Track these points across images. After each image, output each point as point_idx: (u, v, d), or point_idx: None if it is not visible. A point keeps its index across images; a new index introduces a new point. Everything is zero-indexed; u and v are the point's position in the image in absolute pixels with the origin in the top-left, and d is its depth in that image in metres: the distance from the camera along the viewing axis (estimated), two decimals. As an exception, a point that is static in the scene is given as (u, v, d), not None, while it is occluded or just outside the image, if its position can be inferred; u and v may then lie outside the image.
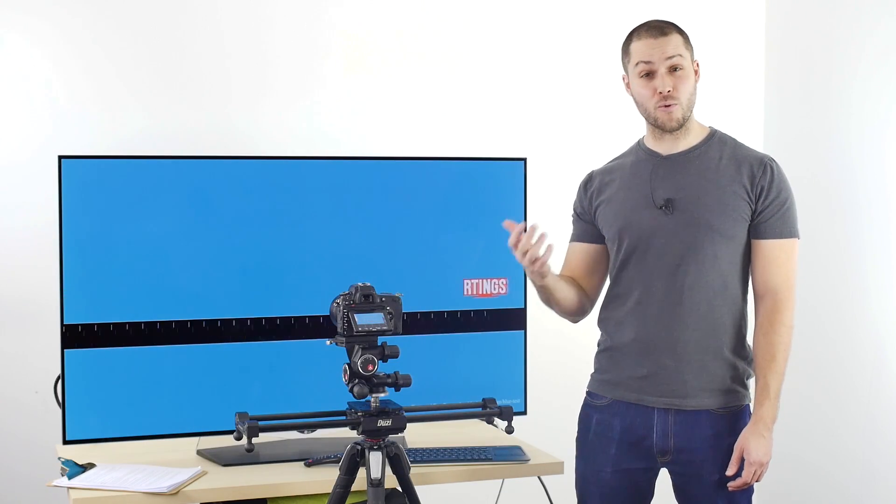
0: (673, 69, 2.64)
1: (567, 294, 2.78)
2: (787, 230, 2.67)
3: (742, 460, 2.62)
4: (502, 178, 3.32)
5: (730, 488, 2.64)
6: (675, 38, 2.65)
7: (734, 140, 2.76)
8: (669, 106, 2.64)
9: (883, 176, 3.86)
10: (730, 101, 4.31)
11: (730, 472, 2.64)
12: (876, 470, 3.89)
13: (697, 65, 2.70)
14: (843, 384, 4.03)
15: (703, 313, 2.66)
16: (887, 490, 3.85)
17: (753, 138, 4.25)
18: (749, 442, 2.61)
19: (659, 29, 2.66)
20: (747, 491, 2.69)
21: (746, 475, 2.61)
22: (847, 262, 4.02)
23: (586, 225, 2.87)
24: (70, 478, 2.79)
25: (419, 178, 3.25)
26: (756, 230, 2.67)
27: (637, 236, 2.72)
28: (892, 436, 3.83)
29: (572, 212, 2.93)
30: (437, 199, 3.26)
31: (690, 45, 2.70)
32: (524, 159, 3.32)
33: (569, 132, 4.17)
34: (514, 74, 4.11)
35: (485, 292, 3.28)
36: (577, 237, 2.91)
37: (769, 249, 2.66)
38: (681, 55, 2.64)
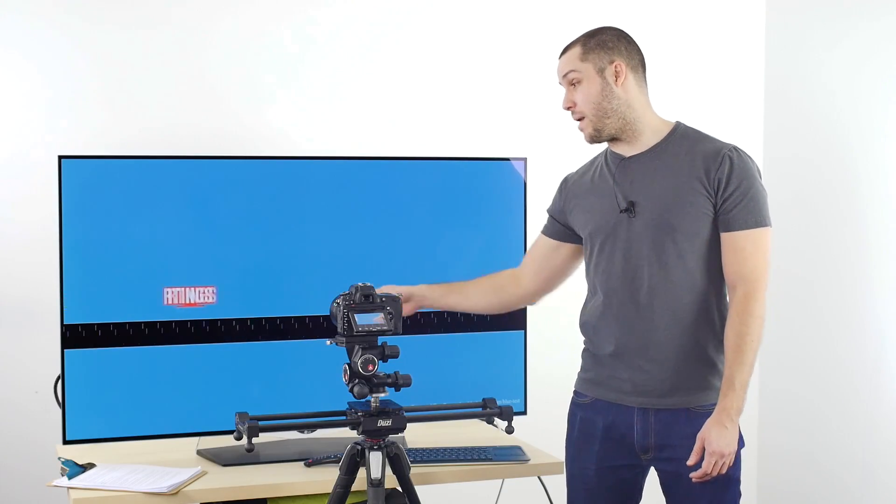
0: (573, 83, 2.70)
1: (470, 303, 3.00)
2: (752, 220, 2.59)
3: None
4: (502, 178, 3.32)
5: (693, 479, 2.57)
6: (571, 53, 2.69)
7: (697, 133, 2.70)
8: (578, 122, 2.73)
9: (883, 175, 3.86)
10: (730, 102, 4.31)
11: (690, 462, 2.56)
12: (876, 469, 3.90)
13: (618, 66, 2.65)
14: (844, 382, 4.03)
15: (673, 313, 2.64)
16: (887, 489, 3.85)
17: (753, 138, 4.25)
18: (710, 432, 2.54)
19: (564, 48, 2.73)
20: (732, 489, 2.65)
21: (706, 465, 2.53)
22: (847, 261, 4.02)
23: (556, 223, 2.88)
24: (70, 478, 2.79)
25: (419, 178, 3.25)
26: (721, 223, 2.61)
27: (603, 240, 2.71)
28: (893, 435, 3.83)
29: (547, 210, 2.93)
30: (437, 199, 3.26)
31: (600, 51, 2.66)
32: (524, 159, 3.32)
33: (569, 132, 4.14)
34: (514, 74, 4.10)
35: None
36: (544, 230, 2.93)
37: (735, 241, 2.60)
38: (573, 70, 2.68)
